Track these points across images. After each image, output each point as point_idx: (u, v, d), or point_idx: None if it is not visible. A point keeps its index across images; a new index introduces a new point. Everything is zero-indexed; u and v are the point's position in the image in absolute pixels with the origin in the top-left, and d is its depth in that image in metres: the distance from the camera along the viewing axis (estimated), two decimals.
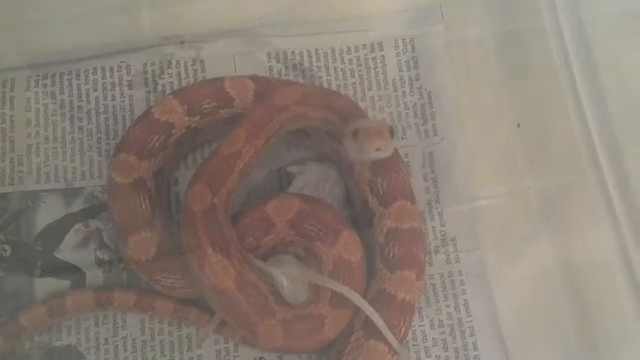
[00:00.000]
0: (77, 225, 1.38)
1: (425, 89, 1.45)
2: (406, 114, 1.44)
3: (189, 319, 1.31)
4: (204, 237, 1.18)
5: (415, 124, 1.43)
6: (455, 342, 1.32)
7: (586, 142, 1.37)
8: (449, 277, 1.35)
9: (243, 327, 1.21)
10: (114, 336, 1.32)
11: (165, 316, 1.31)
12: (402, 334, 1.24)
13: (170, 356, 1.32)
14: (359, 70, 1.46)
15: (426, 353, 1.32)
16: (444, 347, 1.32)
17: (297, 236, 1.28)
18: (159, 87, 1.44)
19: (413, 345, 1.32)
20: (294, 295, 1.25)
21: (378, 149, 1.15)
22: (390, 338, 1.22)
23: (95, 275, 1.35)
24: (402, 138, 1.43)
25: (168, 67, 1.45)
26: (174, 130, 1.32)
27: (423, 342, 1.32)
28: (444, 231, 1.38)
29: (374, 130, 1.16)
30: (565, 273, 1.35)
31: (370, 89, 1.45)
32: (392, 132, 1.17)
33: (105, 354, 1.31)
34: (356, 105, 1.32)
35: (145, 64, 1.45)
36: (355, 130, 1.17)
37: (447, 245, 1.37)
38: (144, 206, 1.29)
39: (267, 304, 1.20)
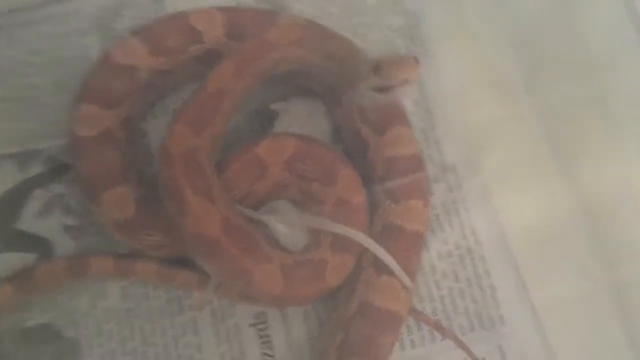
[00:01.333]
0: (37, 191, 1.26)
1: (411, 11, 1.36)
2: (392, 38, 1.35)
3: (176, 281, 1.20)
4: (184, 180, 1.07)
5: (404, 45, 1.35)
6: (467, 272, 1.25)
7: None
8: (453, 205, 1.28)
9: (237, 277, 1.10)
10: (93, 308, 1.21)
11: (149, 280, 1.20)
12: (414, 266, 1.17)
13: (160, 323, 1.21)
14: None
15: (437, 286, 1.24)
16: (455, 279, 1.25)
17: (293, 178, 1.18)
18: (115, 32, 1.31)
19: (423, 280, 1.24)
20: (293, 242, 1.16)
21: (405, 80, 1.07)
22: (403, 276, 1.14)
23: (64, 244, 1.23)
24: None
25: (123, 9, 1.33)
26: (138, 74, 1.20)
27: (432, 275, 1.25)
28: (443, 159, 1.30)
29: (398, 60, 1.09)
30: (576, 193, 1.29)
31: (349, 16, 1.36)
32: (417, 61, 1.09)
33: (85, 329, 1.20)
34: (357, 51, 1.21)
35: (98, 7, 1.33)
36: (377, 63, 1.08)
37: (448, 172, 1.29)
38: (114, 159, 1.17)
39: (261, 248, 1.10)
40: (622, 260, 1.26)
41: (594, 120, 1.32)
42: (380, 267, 1.14)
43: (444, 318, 1.24)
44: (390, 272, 1.14)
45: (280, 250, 1.14)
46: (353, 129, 1.23)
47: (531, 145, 1.32)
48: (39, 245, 1.24)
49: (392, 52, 1.22)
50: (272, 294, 1.11)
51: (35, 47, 1.31)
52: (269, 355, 1.21)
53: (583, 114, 1.32)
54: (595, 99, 1.32)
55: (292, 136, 1.20)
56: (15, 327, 1.20)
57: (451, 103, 1.33)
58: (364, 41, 1.32)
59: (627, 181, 1.29)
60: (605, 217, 1.28)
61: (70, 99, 1.26)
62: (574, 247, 1.27)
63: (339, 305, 1.17)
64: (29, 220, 1.24)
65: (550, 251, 1.27)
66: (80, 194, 1.24)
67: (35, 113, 1.28)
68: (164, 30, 1.22)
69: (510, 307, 1.24)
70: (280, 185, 1.18)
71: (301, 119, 1.26)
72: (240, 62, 1.15)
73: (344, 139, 1.27)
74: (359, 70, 1.12)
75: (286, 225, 1.16)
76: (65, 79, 1.29)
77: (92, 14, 1.33)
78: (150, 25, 1.24)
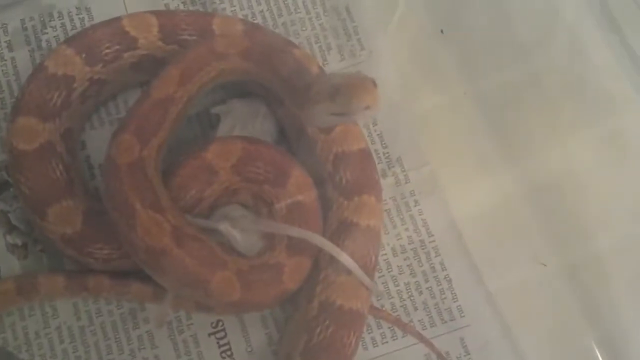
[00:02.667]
0: None
1: (343, 5, 1.37)
2: (324, 35, 1.36)
3: (130, 294, 1.18)
4: (131, 193, 1.06)
5: (337, 45, 1.36)
6: (422, 266, 1.27)
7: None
8: (402, 199, 1.30)
9: (193, 287, 1.09)
10: (45, 328, 1.19)
11: (102, 295, 1.19)
12: (373, 262, 1.18)
13: (115, 338, 1.20)
14: None
15: (394, 282, 1.26)
16: (411, 273, 1.26)
17: (243, 182, 1.17)
18: (44, 44, 1.31)
19: (379, 277, 1.26)
20: (248, 247, 1.16)
21: (368, 107, 1.01)
22: (362, 275, 1.15)
23: (10, 265, 1.22)
24: (324, 64, 1.34)
25: (50, 20, 1.31)
26: (75, 85, 1.19)
27: (389, 271, 1.26)
28: (388, 152, 1.32)
29: (358, 84, 1.03)
30: (521, 177, 1.32)
31: (280, 15, 1.36)
32: (375, 85, 1.04)
33: (39, 349, 1.19)
34: (304, 69, 1.17)
35: (23, 19, 1.32)
36: (333, 88, 1.04)
37: (394, 166, 1.31)
38: (58, 172, 1.16)
39: (215, 255, 1.10)
40: (572, 242, 1.30)
41: (530, 103, 1.35)
42: (339, 266, 1.15)
43: (404, 314, 1.25)
44: (348, 271, 1.14)
45: (236, 256, 1.14)
46: (298, 128, 1.24)
47: (472, 132, 1.35)
48: None
49: (348, 75, 1.11)
50: (230, 301, 1.11)
51: None
52: None
53: (519, 98, 1.36)
54: (529, 82, 1.36)
55: (239, 139, 1.19)
56: None
57: (391, 96, 1.33)
58: (297, 38, 1.35)
59: (569, 163, 1.32)
60: (552, 201, 1.31)
61: (2, 115, 1.26)
62: (525, 231, 1.30)
63: (300, 307, 1.17)
64: None
65: (501, 238, 1.30)
66: (23, 210, 1.22)
67: None
68: (97, 37, 1.21)
69: (468, 298, 1.27)
70: (230, 189, 1.18)
71: (243, 120, 1.25)
72: (186, 69, 1.14)
73: (289, 138, 1.28)
74: (304, 88, 1.10)
75: (240, 231, 1.15)
76: None
77: (17, 27, 1.31)
78: (84, 33, 1.23)
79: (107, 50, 1.20)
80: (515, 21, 1.39)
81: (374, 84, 1.03)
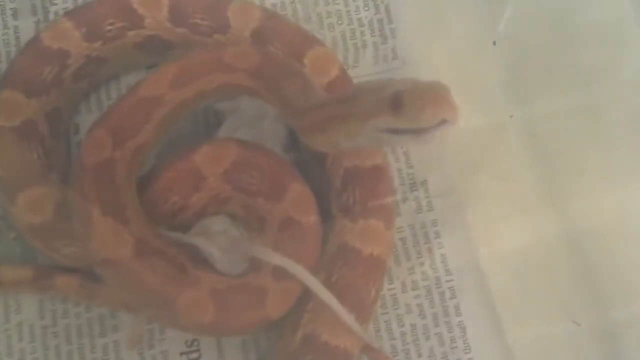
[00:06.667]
0: None
1: (382, 2, 1.27)
2: (362, 31, 1.26)
3: (100, 298, 1.10)
4: (92, 196, 0.98)
5: (373, 42, 1.26)
6: (434, 307, 1.15)
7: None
8: (422, 228, 1.19)
9: (157, 306, 1.01)
10: (6, 323, 1.12)
11: (70, 295, 1.11)
12: (372, 297, 1.07)
13: (78, 344, 1.12)
14: None
15: (399, 322, 1.15)
16: (420, 314, 1.15)
17: (235, 191, 1.08)
18: (51, 16, 1.24)
19: (382, 313, 1.15)
20: (228, 266, 1.05)
21: (445, 121, 0.86)
22: (352, 323, 1.03)
23: None
24: (354, 67, 1.24)
25: None
26: (70, 61, 1.13)
27: (394, 309, 1.15)
28: (412, 174, 1.21)
29: (429, 91, 0.87)
30: (562, 220, 1.20)
31: (316, 4, 1.27)
32: (448, 91, 0.88)
33: None
34: (312, 85, 1.06)
35: None
36: (396, 96, 0.88)
37: (417, 190, 1.20)
38: (35, 155, 1.10)
39: (184, 272, 1.01)
40: (612, 299, 1.16)
41: (584, 138, 1.23)
42: None
43: (405, 359, 1.14)
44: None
45: (213, 274, 1.04)
46: None
47: (513, 163, 1.23)
48: None
49: (409, 80, 0.94)
50: (201, 323, 1.01)
51: None
52: None
53: (572, 130, 1.23)
54: (586, 113, 1.24)
55: (234, 142, 1.10)
56: None
57: None
58: (332, 32, 1.25)
59: (620, 211, 1.19)
60: (595, 251, 1.19)
61: None
62: (559, 282, 1.18)
63: (284, 335, 1.07)
64: None
65: (531, 286, 1.18)
66: None
67: None
68: (102, 12, 1.14)
69: (482, 350, 1.15)
70: (219, 198, 1.08)
71: (251, 120, 1.15)
72: (183, 72, 1.06)
73: (301, 145, 1.16)
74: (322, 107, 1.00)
75: (218, 248, 1.05)
76: None
77: None
78: (88, 6, 1.17)
79: (109, 27, 1.13)
80: (578, 44, 1.27)
81: (448, 91, 0.88)
